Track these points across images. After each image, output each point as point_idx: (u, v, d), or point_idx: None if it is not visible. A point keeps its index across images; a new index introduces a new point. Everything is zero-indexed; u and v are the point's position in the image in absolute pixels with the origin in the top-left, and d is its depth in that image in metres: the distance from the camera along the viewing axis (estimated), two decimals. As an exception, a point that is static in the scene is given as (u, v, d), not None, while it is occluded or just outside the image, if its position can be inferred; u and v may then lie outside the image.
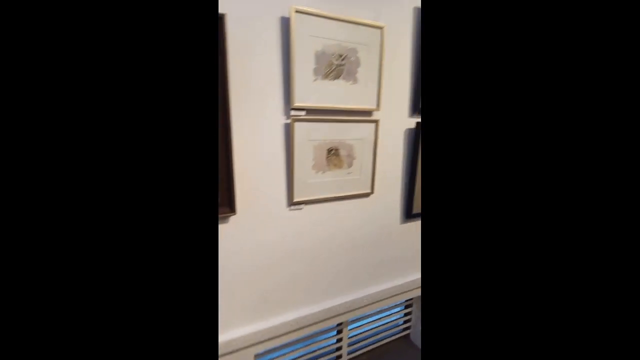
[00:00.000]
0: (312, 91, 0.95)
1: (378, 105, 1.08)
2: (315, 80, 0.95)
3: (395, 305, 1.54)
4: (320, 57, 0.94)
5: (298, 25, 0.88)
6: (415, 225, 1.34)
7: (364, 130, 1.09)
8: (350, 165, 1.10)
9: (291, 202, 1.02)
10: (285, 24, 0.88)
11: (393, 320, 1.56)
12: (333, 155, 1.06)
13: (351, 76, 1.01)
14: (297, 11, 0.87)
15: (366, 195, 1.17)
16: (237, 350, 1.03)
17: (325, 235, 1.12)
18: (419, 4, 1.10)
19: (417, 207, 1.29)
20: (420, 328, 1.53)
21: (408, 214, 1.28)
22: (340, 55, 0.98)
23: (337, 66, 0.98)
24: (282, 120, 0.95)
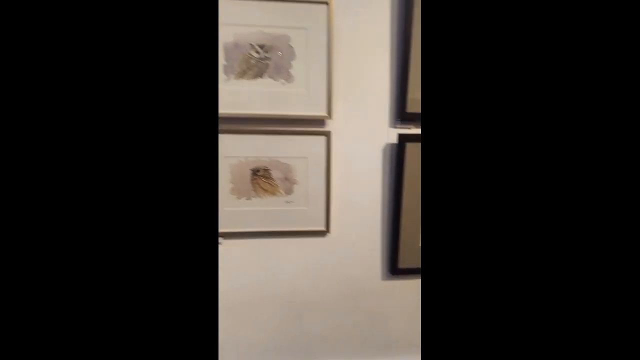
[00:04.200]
0: (223, 95, 0.74)
1: (329, 111, 0.77)
2: (227, 80, 0.74)
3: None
4: (231, 50, 0.73)
5: (197, 13, 0.70)
6: (403, 286, 0.91)
7: (309, 145, 0.80)
8: (289, 191, 0.82)
9: (204, 234, 0.82)
10: (187, 14, 0.72)
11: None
12: (261, 177, 0.80)
13: (282, 73, 0.75)
14: (193, -5, 0.69)
15: (319, 234, 0.85)
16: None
17: (255, 282, 0.86)
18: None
19: (405, 260, 0.87)
20: None
21: (393, 269, 0.88)
22: (262, 46, 0.74)
23: (257, 60, 0.74)
24: (188, 131, 0.77)
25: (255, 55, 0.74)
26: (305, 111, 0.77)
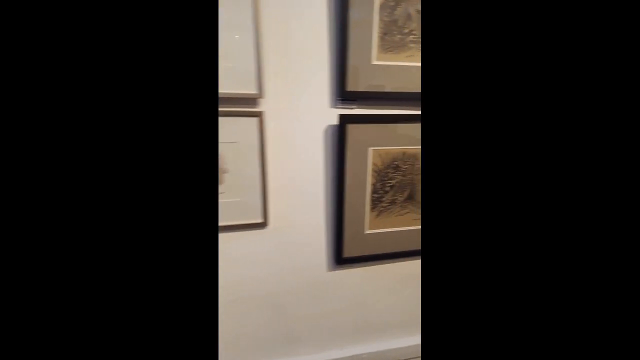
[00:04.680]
0: (126, 67, 0.61)
1: (260, 88, 0.68)
2: (131, 49, 0.61)
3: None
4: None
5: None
6: (351, 275, 0.87)
7: (239, 127, 0.70)
8: (219, 181, 0.72)
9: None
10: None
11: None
12: (184, 166, 0.70)
13: (200, 42, 0.64)
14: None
15: (258, 226, 0.77)
16: None
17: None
18: None
19: (350, 249, 0.83)
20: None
21: (338, 259, 0.83)
22: (173, 8, 0.61)
23: (168, 26, 0.62)
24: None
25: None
26: (231, 88, 0.67)
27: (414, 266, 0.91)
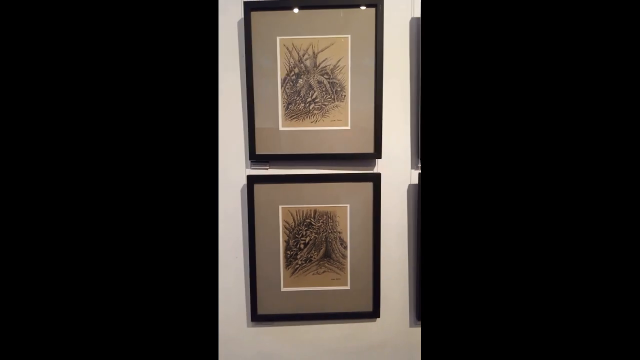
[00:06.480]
0: None
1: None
2: None
3: None
4: None
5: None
6: (266, 333, 0.85)
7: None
8: (142, 235, 0.82)
9: None
10: None
11: None
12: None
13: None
14: None
15: (178, 278, 0.83)
16: None
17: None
18: None
19: (267, 304, 0.83)
20: None
21: (253, 314, 0.83)
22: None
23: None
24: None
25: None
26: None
27: (335, 330, 0.86)
